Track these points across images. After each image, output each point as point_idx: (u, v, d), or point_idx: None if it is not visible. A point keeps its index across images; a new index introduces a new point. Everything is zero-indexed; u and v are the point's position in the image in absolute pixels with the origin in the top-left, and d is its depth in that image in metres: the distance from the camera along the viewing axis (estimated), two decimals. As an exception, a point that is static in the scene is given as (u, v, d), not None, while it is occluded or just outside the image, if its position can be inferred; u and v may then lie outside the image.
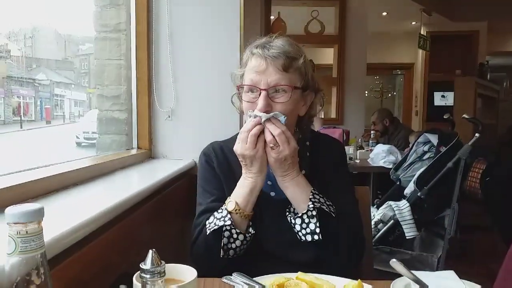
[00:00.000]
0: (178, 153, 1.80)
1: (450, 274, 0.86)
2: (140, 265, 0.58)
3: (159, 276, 0.58)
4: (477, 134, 2.56)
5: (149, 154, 1.79)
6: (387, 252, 2.49)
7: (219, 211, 1.05)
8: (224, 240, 1.01)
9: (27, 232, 0.52)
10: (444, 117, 3.24)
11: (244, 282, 0.84)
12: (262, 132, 1.01)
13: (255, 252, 1.06)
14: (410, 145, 3.07)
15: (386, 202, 2.66)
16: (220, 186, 1.14)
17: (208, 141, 1.76)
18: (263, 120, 1.00)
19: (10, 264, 0.52)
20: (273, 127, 1.00)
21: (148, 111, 1.78)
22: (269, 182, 1.12)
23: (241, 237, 1.02)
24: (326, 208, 1.03)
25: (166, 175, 1.42)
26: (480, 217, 3.38)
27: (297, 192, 1.04)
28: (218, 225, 1.01)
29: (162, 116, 1.79)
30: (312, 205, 1.02)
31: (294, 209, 1.07)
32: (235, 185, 1.08)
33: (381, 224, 2.55)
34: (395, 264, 0.77)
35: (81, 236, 0.80)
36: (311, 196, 1.03)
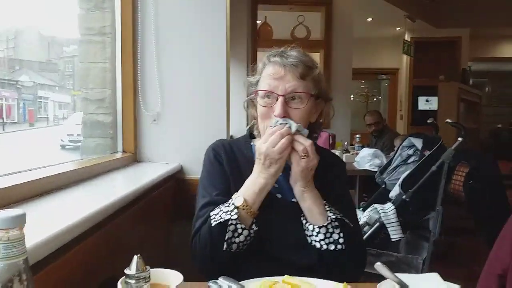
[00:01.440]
0: (164, 157, 1.79)
1: (434, 277, 0.87)
2: (125, 270, 0.57)
3: (144, 281, 0.58)
4: (460, 138, 2.60)
5: (134, 157, 1.77)
6: (373, 254, 2.50)
7: (226, 204, 1.05)
8: (229, 234, 1.01)
9: (8, 238, 0.51)
10: (428, 121, 3.28)
11: (229, 286, 0.83)
12: None
13: (257, 252, 1.06)
14: (395, 149, 3.10)
15: (372, 205, 2.68)
16: (226, 181, 1.14)
17: (194, 145, 1.76)
18: (293, 130, 1.04)
19: (-9, 271, 0.51)
20: (303, 138, 1.04)
21: (134, 115, 1.77)
22: (276, 185, 1.13)
23: (245, 232, 1.02)
24: (346, 219, 1.07)
25: (151, 179, 1.41)
26: (464, 220, 3.44)
27: (315, 204, 1.07)
28: (224, 218, 1.01)
29: (147, 119, 1.78)
30: (333, 216, 1.05)
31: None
32: (242, 183, 1.09)
33: (367, 227, 2.57)
34: (380, 268, 0.77)
35: (65, 241, 0.79)
36: (328, 208, 1.06)
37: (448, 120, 2.76)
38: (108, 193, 1.14)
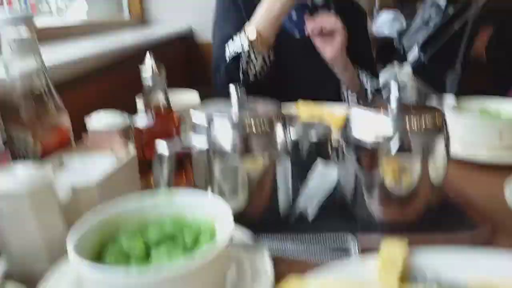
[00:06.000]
0: (173, 17, 1.72)
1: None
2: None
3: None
4: (488, -6, 2.42)
5: (140, 18, 1.70)
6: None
7: (238, 37, 0.98)
8: (243, 65, 0.96)
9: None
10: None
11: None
12: None
13: (276, 95, 1.05)
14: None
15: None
16: (242, 20, 1.05)
17: (204, 4, 1.67)
18: None
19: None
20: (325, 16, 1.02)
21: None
22: (289, 21, 1.07)
23: (259, 58, 0.96)
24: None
25: (160, 36, 1.38)
26: (484, 85, 3.39)
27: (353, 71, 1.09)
28: (236, 51, 0.96)
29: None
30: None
31: None
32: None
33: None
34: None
35: (80, 71, 0.80)
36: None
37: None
38: (117, 42, 1.12)
